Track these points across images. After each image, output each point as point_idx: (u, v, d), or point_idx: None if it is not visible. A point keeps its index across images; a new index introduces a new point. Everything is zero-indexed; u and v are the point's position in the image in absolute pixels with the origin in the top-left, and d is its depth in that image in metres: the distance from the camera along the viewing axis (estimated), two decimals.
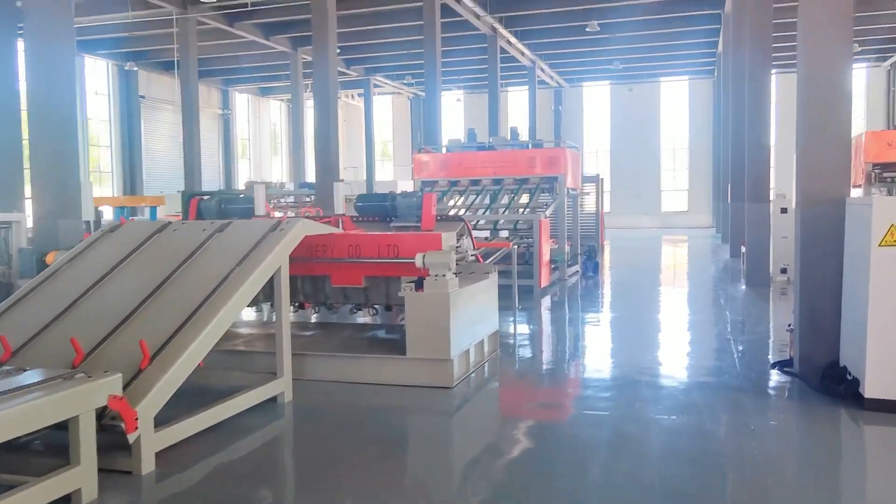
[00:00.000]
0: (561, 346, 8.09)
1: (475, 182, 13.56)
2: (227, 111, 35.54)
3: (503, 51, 26.01)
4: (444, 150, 14.31)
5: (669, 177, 35.74)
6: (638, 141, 35.23)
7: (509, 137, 13.86)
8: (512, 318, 9.40)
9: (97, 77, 28.48)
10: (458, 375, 5.99)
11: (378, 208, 7.07)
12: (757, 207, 11.64)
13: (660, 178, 35.54)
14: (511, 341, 7.98)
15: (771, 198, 12.21)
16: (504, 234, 12.93)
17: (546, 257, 11.66)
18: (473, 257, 6.99)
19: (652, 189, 35.38)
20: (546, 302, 10.99)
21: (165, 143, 31.03)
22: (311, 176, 33.73)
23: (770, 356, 7.02)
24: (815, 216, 5.83)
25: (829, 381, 5.45)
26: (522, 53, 27.58)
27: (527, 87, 31.51)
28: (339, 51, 26.35)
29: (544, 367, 7.02)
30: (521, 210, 12.49)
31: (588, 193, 17.65)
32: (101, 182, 28.43)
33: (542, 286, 11.48)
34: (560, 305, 10.92)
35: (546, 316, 9.95)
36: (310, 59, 28.33)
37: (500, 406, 5.81)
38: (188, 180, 21.29)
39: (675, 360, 7.04)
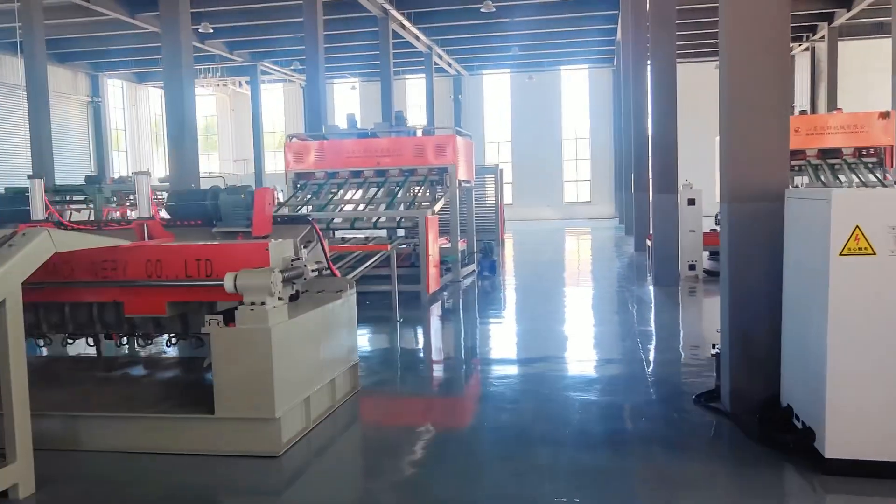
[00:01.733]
0: (444, 373, 6.65)
1: (356, 174, 11.97)
2: (98, 98, 32.42)
3: (397, 35, 24.44)
4: (319, 139, 12.66)
5: (571, 167, 35.15)
6: (539, 131, 34.44)
7: (393, 123, 12.34)
8: (388, 337, 7.90)
9: None
10: (291, 437, 4.42)
11: (195, 209, 5.38)
12: (664, 199, 10.59)
13: (562, 169, 34.89)
14: (381, 370, 6.47)
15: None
16: (384, 233, 11.41)
17: (435, 258, 10.23)
18: (327, 271, 5.44)
19: (554, 180, 34.70)
20: (435, 310, 9.56)
21: (23, 135, 27.69)
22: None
23: (688, 382, 5.81)
24: (747, 214, 4.60)
25: (770, 427, 4.21)
26: (417, 38, 26.06)
27: (424, 74, 30.02)
28: (212, 30, 24.18)
29: (418, 406, 5.54)
30: (402, 206, 10.99)
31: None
32: None
33: (431, 291, 10.05)
34: (449, 315, 9.52)
35: (431, 329, 8.50)
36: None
37: (350, 479, 4.27)
38: (35, 173, 18.61)
39: (580, 393, 5.71)
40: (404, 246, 10.31)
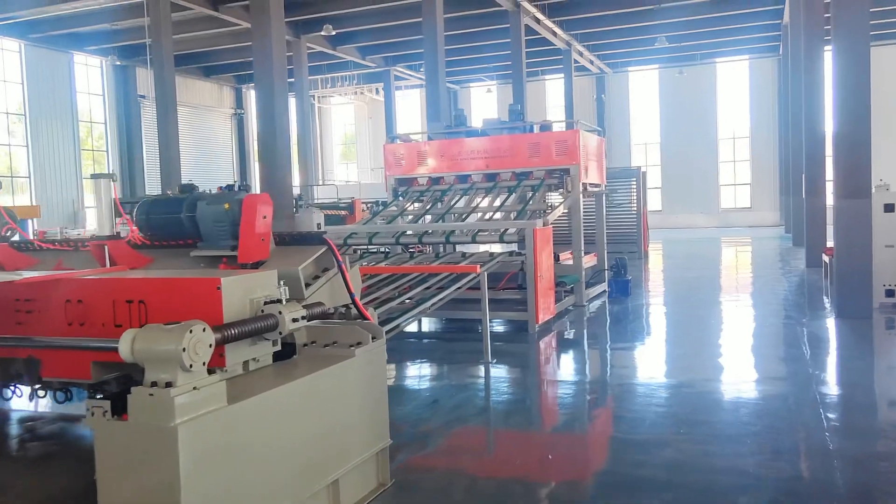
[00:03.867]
0: (534, 449, 4.80)
1: (463, 178, 10.34)
2: (241, 110, 33.07)
3: (532, 31, 22.69)
4: (421, 139, 11.14)
5: (728, 170, 31.67)
6: (692, 130, 31.29)
7: (508, 118, 10.58)
8: (466, 386, 6.14)
9: (92, 75, 26.26)
10: None
11: (170, 224, 3.93)
12: (851, 205, 8.09)
13: (718, 172, 31.52)
14: (437, 443, 4.73)
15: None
16: (492, 248, 9.64)
17: (547, 279, 8.37)
18: (353, 310, 3.81)
19: (709, 184, 31.40)
20: (544, 346, 7.68)
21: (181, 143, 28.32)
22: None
23: None
24: None
25: None
26: (555, 34, 24.13)
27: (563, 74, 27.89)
28: (334, 33, 23.48)
29: None
30: (514, 215, 9.17)
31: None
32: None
33: (542, 320, 8.19)
34: (561, 352, 7.62)
35: (528, 376, 6.64)
36: (317, 47, 25.65)
37: None
38: (164, 182, 18.51)
39: None
40: (501, 260, 8.49)
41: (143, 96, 27.01)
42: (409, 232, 8.69)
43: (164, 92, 19.06)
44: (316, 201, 22.18)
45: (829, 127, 11.95)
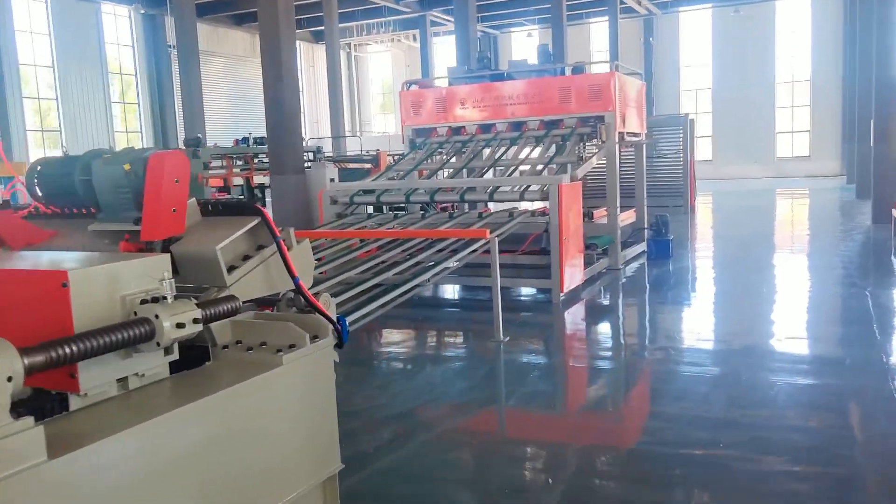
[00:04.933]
0: (542, 470, 3.95)
1: (486, 128, 9.35)
2: None
3: None
4: (441, 84, 10.14)
5: (786, 116, 29.71)
6: (747, 75, 29.33)
7: (537, 60, 9.46)
8: (475, 374, 5.29)
9: (121, 25, 25.63)
10: None
11: (64, 190, 3.13)
12: None
13: (774, 119, 29.60)
14: (434, 455, 3.90)
15: None
16: (522, 205, 8.66)
17: (575, 242, 7.41)
18: (294, 302, 2.97)
19: (765, 132, 29.54)
20: (567, 320, 6.78)
21: (214, 95, 27.66)
22: (324, 131, 30.12)
23: None
24: None
25: None
26: None
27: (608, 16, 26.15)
28: None
29: None
30: (525, 170, 8.18)
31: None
32: (130, 140, 25.76)
33: (568, 289, 7.26)
34: (587, 327, 6.71)
35: (547, 359, 5.75)
36: None
37: None
38: (188, 133, 17.83)
39: None
40: (522, 221, 7.52)
41: (171, 46, 26.34)
42: (420, 189, 7.79)
43: (186, 40, 18.33)
44: (347, 153, 21.38)
45: None
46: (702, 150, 29.91)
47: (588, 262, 8.38)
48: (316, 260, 6.58)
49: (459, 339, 6.24)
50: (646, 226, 9.93)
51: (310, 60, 34.73)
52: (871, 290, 7.33)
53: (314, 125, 34.37)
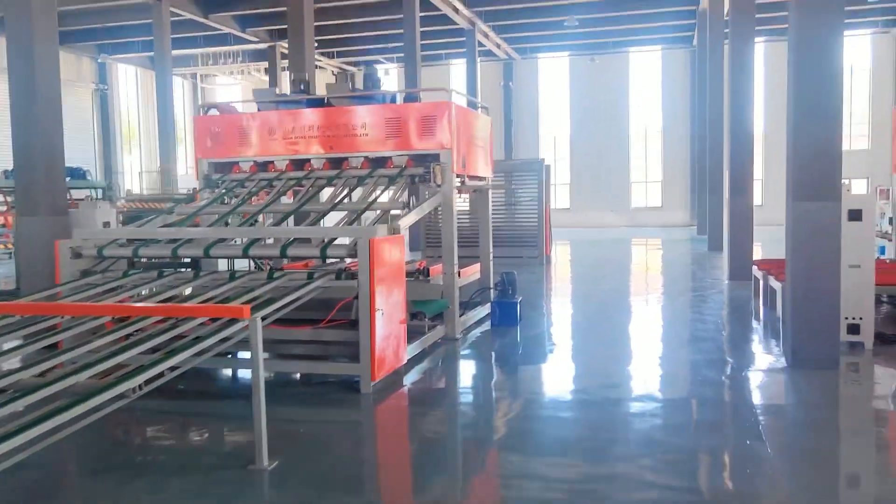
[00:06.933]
0: None
1: (300, 164, 7.60)
2: (104, 86, 29.03)
3: (430, 5, 20.11)
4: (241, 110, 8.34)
5: (640, 166, 30.05)
6: (603, 123, 29.48)
7: (344, 83, 7.81)
8: None
9: None
10: None
11: None
12: (813, 210, 5.82)
13: (629, 168, 29.84)
14: None
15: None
16: (345, 260, 6.92)
17: (393, 313, 5.76)
18: None
19: (620, 180, 29.68)
20: (373, 425, 5.07)
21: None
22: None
23: None
24: None
25: None
26: (457, 10, 21.62)
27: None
28: None
29: None
30: (347, 216, 6.53)
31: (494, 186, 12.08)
32: None
33: (382, 375, 5.58)
34: (389, 445, 5.04)
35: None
36: (184, 13, 22.15)
37: None
38: None
39: None
40: (320, 286, 5.77)
41: None
42: (192, 241, 5.88)
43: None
44: (178, 191, 18.93)
45: (760, 121, 9.89)
46: (561, 198, 29.64)
47: (420, 332, 6.78)
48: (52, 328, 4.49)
49: (194, 470, 4.19)
50: (490, 284, 8.48)
51: (147, 89, 31.75)
52: (748, 369, 6.16)
53: (151, 159, 31.27)
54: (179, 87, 33.29)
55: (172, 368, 4.04)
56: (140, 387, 3.50)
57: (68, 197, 11.79)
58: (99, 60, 28.66)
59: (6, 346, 4.47)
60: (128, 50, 27.77)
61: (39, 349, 4.38)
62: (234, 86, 34.19)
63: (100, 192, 11.49)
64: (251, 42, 25.96)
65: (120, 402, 3.56)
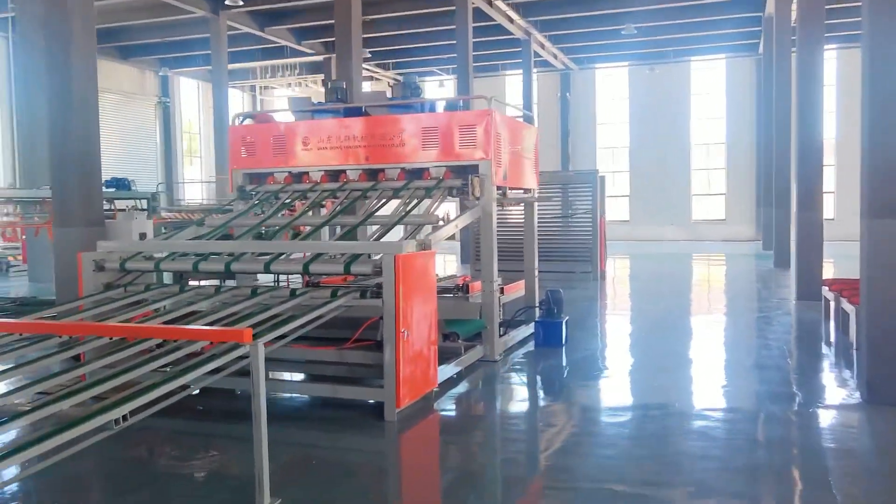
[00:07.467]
0: None
1: (335, 175, 7.31)
2: (167, 99, 29.62)
3: (484, 15, 19.80)
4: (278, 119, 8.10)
5: (702, 178, 29.01)
6: (663, 134, 28.56)
7: (399, 93, 7.51)
8: None
9: None
10: None
11: None
12: (892, 227, 5.19)
13: (690, 180, 28.82)
14: None
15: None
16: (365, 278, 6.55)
17: (422, 334, 5.36)
18: None
19: (680, 193, 28.68)
20: (396, 458, 4.68)
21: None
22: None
23: None
24: None
25: None
26: (511, 20, 21.24)
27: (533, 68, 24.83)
28: (241, 1, 20.33)
29: None
30: (379, 229, 6.18)
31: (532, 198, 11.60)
32: None
33: (406, 403, 5.18)
34: (413, 482, 4.63)
35: None
36: (242, 27, 22.45)
37: None
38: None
39: None
40: (343, 304, 5.39)
41: None
42: (216, 255, 5.62)
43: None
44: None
45: (832, 130, 9.16)
46: (619, 211, 28.83)
47: (455, 354, 6.37)
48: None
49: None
50: (535, 303, 8.00)
51: (208, 101, 32.29)
52: (817, 404, 5.53)
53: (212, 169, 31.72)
54: (239, 100, 33.80)
55: (180, 389, 3.73)
56: (125, 417, 3.19)
57: (112, 207, 11.91)
58: (161, 74, 29.26)
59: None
60: (189, 64, 28.29)
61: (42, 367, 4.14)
62: (292, 96, 34.54)
63: (144, 202, 11.48)
64: (307, 54, 26.10)
65: (101, 433, 3.25)
